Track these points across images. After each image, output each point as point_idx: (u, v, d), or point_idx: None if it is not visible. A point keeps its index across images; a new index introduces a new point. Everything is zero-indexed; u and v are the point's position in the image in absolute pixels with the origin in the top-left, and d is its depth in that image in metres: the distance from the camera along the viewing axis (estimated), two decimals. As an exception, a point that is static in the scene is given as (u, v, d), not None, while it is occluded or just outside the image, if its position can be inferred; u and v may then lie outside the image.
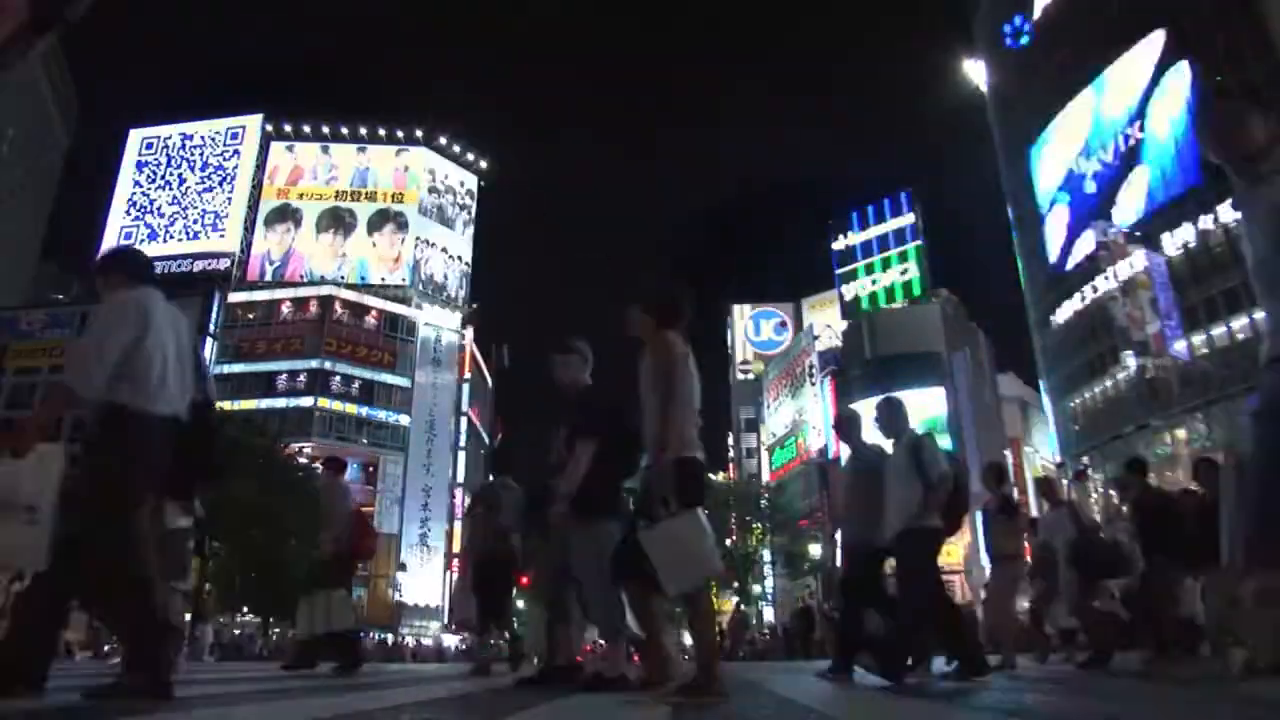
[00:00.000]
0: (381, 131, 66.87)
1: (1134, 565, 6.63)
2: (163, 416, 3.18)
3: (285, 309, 58.89)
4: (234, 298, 58.35)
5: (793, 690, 4.65)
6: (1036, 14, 50.17)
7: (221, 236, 61.43)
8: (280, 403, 54.98)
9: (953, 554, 44.90)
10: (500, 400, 78.51)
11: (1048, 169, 48.76)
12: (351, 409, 56.84)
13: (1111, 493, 40.55)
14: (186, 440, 3.32)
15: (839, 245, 61.87)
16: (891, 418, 5.11)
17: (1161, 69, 39.66)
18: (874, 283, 58.28)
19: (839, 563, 9.02)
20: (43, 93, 74.42)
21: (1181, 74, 38.25)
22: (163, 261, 60.56)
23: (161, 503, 4.37)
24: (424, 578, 55.37)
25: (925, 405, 47.13)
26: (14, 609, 3.33)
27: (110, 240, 62.52)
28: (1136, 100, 41.36)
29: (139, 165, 65.35)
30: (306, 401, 55.30)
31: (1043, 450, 55.33)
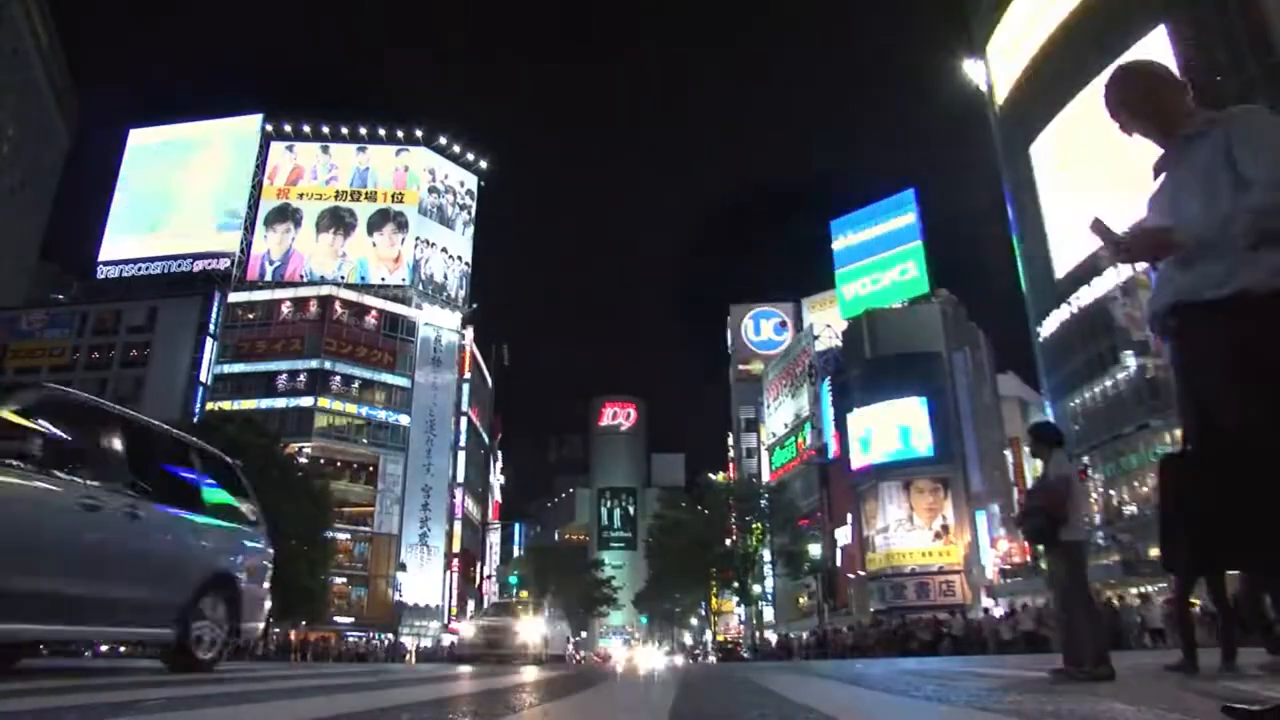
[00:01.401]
0: (381, 131, 66.84)
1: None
2: None
3: (285, 309, 58.87)
4: (234, 298, 58.33)
5: (795, 692, 4.64)
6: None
7: (221, 236, 61.41)
8: (280, 403, 54.96)
9: (952, 554, 44.98)
10: (500, 400, 78.66)
11: (1047, 168, 48.75)
12: (351, 409, 56.84)
13: (1111, 493, 40.60)
14: None
15: (839, 245, 61.87)
16: None
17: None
18: (874, 283, 58.26)
19: None
20: (43, 93, 74.41)
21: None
22: (162, 261, 60.60)
23: None
24: (424, 578, 55.35)
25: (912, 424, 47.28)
26: None
27: (110, 240, 62.59)
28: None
29: (139, 165, 65.33)
30: (306, 401, 55.29)
31: (1043, 450, 55.27)
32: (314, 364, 56.23)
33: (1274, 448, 2.01)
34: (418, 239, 64.25)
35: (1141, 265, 2.44)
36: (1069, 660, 5.16)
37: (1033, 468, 53.32)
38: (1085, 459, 40.59)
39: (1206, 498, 2.15)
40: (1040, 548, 6.39)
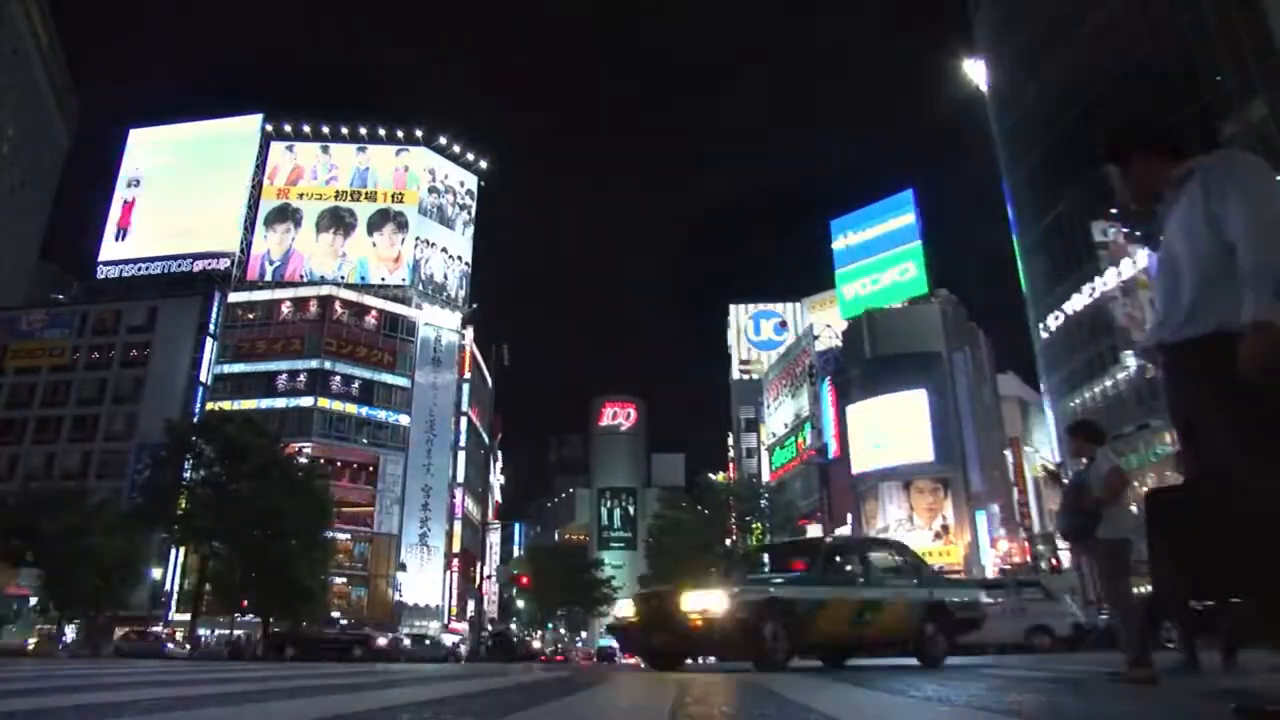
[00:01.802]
0: (381, 131, 66.84)
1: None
2: None
3: (285, 309, 58.86)
4: (234, 298, 58.33)
5: (795, 692, 4.64)
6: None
7: (221, 236, 61.40)
8: (280, 403, 54.96)
9: (952, 554, 44.94)
10: (500, 400, 78.60)
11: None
12: (351, 409, 56.82)
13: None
14: None
15: (839, 245, 61.85)
16: None
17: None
18: (874, 283, 58.24)
19: None
20: (43, 93, 74.42)
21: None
22: (163, 261, 60.59)
23: None
24: (424, 578, 55.36)
25: (912, 424, 47.23)
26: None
27: (110, 241, 62.57)
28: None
29: (139, 165, 65.32)
30: (306, 401, 55.29)
31: (1043, 450, 55.30)
32: (314, 364, 56.24)
33: (1248, 479, 2.06)
34: (418, 239, 64.25)
35: (1142, 263, 2.53)
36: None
37: (1033, 467, 53.41)
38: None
39: (1192, 534, 2.22)
40: (1066, 544, 6.28)
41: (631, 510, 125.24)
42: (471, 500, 66.29)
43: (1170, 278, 2.42)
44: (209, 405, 51.10)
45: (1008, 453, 50.53)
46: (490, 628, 60.91)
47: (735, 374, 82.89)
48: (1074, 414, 44.91)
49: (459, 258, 67.62)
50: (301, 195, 64.37)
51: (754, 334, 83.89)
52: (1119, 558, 5.25)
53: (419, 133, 67.40)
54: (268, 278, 61.39)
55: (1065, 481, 5.88)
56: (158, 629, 43.07)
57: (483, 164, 71.11)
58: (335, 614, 47.86)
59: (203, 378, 54.72)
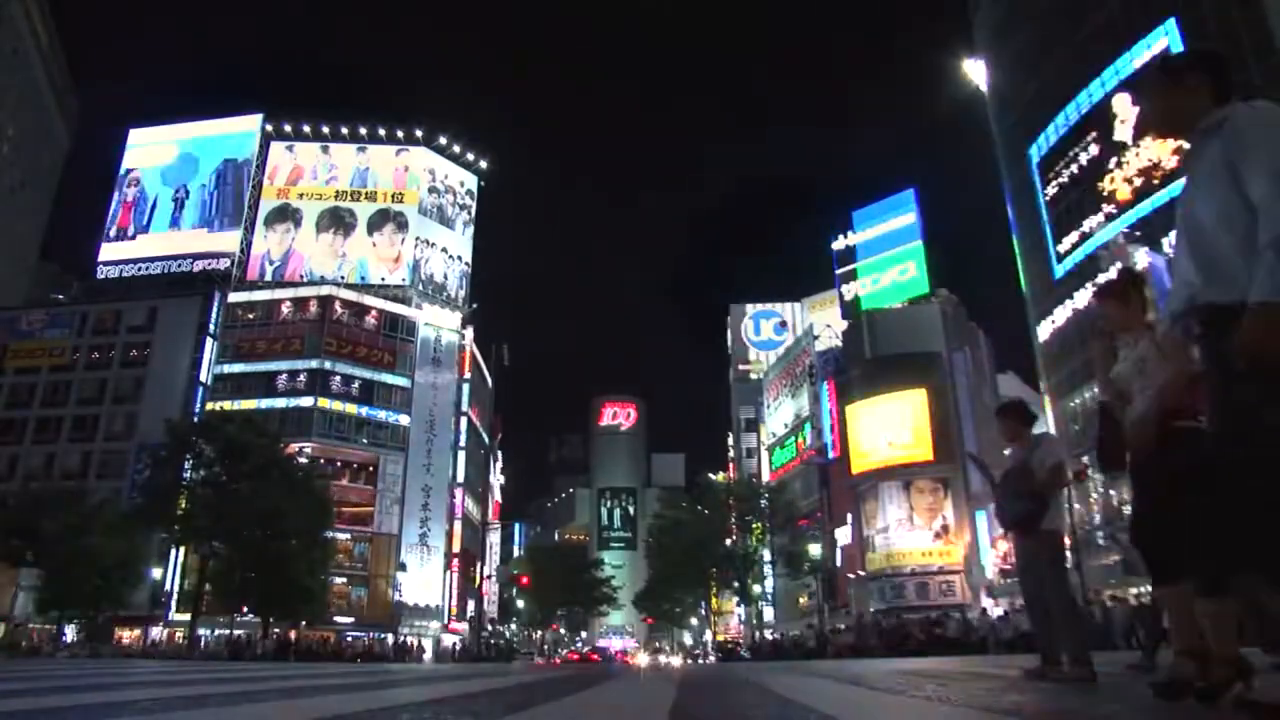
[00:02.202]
0: (381, 131, 66.79)
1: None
2: None
3: (285, 309, 58.81)
4: (234, 298, 58.28)
5: (795, 692, 4.64)
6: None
7: (221, 236, 61.39)
8: (280, 403, 54.91)
9: (952, 554, 44.94)
10: (500, 400, 78.62)
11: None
12: (351, 409, 56.77)
13: (1111, 493, 40.60)
14: None
15: (839, 245, 61.85)
16: None
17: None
18: (874, 283, 58.25)
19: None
20: (43, 93, 74.44)
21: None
22: (162, 261, 60.56)
23: None
24: (424, 578, 55.32)
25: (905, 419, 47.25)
26: None
27: (109, 241, 62.54)
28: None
29: (139, 165, 65.29)
30: (306, 401, 55.25)
31: (1043, 450, 55.29)
32: (314, 364, 56.19)
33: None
34: (418, 239, 64.21)
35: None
36: (1047, 659, 4.91)
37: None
38: (1085, 459, 40.57)
39: (1230, 505, 2.11)
40: (1011, 536, 6.04)
41: (631, 510, 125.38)
42: (471, 500, 66.28)
43: (1192, 233, 2.24)
44: (209, 405, 51.09)
45: (1008, 452, 50.46)
46: (490, 628, 61.06)
47: (735, 374, 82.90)
48: (1074, 414, 44.89)
49: (459, 258, 67.58)
50: (301, 195, 64.31)
51: (754, 334, 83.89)
52: (1059, 549, 5.17)
53: (419, 133, 67.34)
54: (268, 278, 61.34)
55: (1010, 466, 5.76)
56: (157, 629, 43.18)
57: (483, 164, 71.08)
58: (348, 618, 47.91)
59: (203, 378, 54.69)
